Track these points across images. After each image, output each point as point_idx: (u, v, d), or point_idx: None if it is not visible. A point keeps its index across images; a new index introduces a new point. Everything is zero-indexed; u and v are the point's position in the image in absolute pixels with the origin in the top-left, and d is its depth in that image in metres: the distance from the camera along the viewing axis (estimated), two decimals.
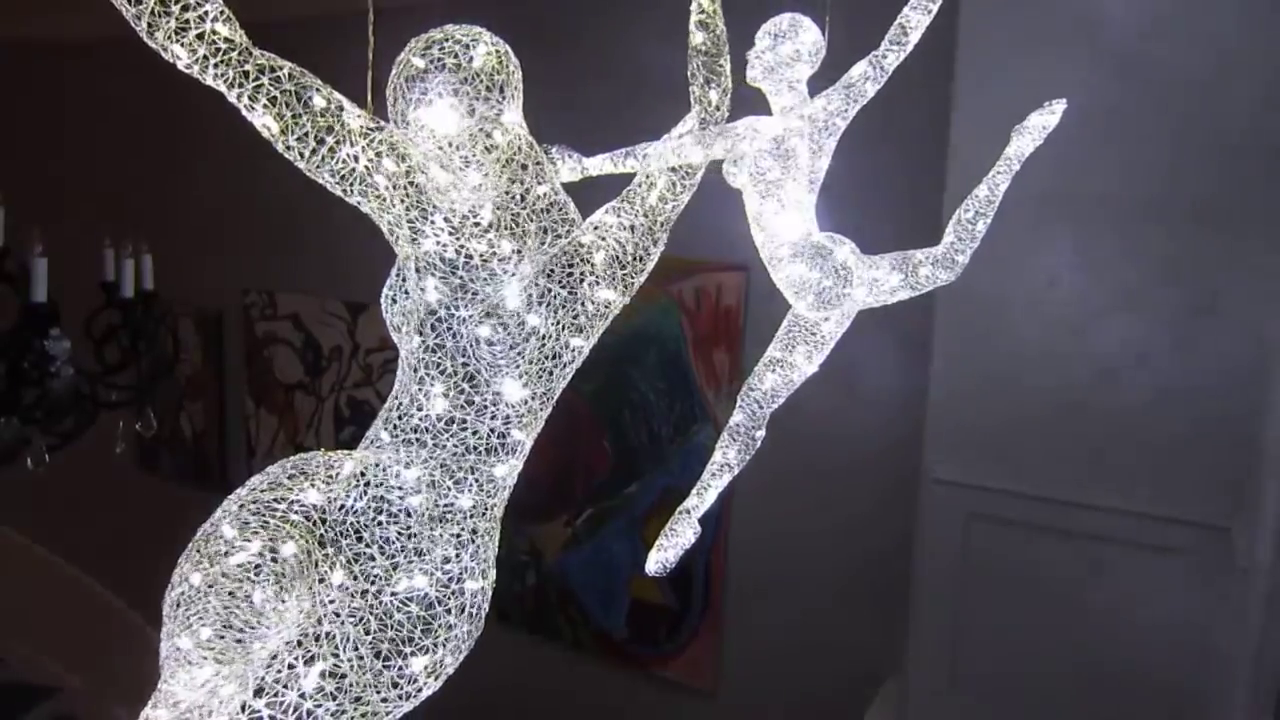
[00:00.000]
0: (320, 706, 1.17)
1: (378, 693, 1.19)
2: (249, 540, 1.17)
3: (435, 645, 1.21)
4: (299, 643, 1.22)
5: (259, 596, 1.12)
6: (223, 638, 1.10)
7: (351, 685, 1.18)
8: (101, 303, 3.34)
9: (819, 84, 1.82)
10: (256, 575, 1.13)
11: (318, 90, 1.15)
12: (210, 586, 1.13)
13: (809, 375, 1.89)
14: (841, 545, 3.72)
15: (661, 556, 1.94)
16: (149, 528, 5.98)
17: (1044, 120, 1.82)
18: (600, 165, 1.62)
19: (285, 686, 1.18)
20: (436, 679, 1.24)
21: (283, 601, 1.13)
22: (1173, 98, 2.25)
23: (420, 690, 1.23)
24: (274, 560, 1.15)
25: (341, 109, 1.18)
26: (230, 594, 1.12)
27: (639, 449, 4.22)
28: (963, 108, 2.84)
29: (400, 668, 1.20)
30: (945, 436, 3.02)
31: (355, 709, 1.18)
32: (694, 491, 1.94)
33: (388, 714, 1.21)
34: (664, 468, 4.15)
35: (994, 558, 2.96)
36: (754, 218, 1.83)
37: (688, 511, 1.94)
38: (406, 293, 1.29)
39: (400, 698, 1.21)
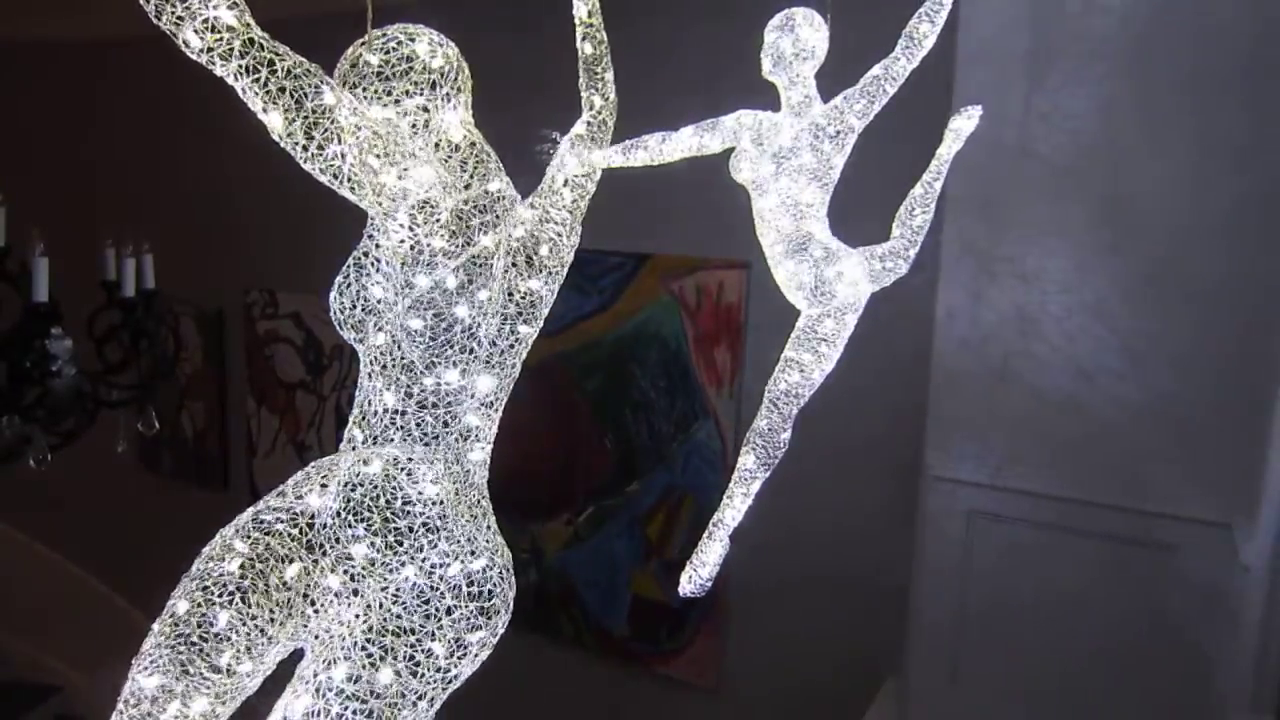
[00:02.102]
0: (346, 708, 1.19)
1: (399, 681, 1.20)
2: (224, 560, 1.19)
3: (441, 630, 1.22)
4: (317, 649, 1.25)
5: (224, 619, 1.13)
6: (188, 671, 1.11)
7: (368, 682, 1.20)
8: (103, 302, 3.34)
9: (832, 84, 1.83)
10: (218, 597, 1.15)
11: (315, 86, 1.15)
12: (179, 616, 1.14)
13: (827, 373, 1.89)
14: (842, 543, 3.72)
15: (695, 576, 1.93)
16: (150, 526, 5.99)
17: (961, 124, 1.90)
18: (609, 158, 1.66)
19: (317, 693, 1.20)
20: (464, 658, 1.25)
21: (252, 618, 1.14)
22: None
23: (450, 672, 1.24)
24: (242, 579, 1.17)
25: (336, 106, 1.18)
26: (186, 620, 1.13)
27: (640, 447, 4.22)
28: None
29: (413, 656, 1.21)
30: (946, 434, 3.02)
31: (381, 703, 1.19)
32: (721, 504, 1.94)
33: (419, 697, 1.22)
34: (665, 465, 4.15)
35: (995, 555, 2.96)
36: (757, 214, 1.84)
37: (717, 526, 1.94)
38: (354, 287, 1.32)
39: (433, 682, 1.22)
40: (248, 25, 1.08)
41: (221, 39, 1.06)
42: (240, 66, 1.08)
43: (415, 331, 1.27)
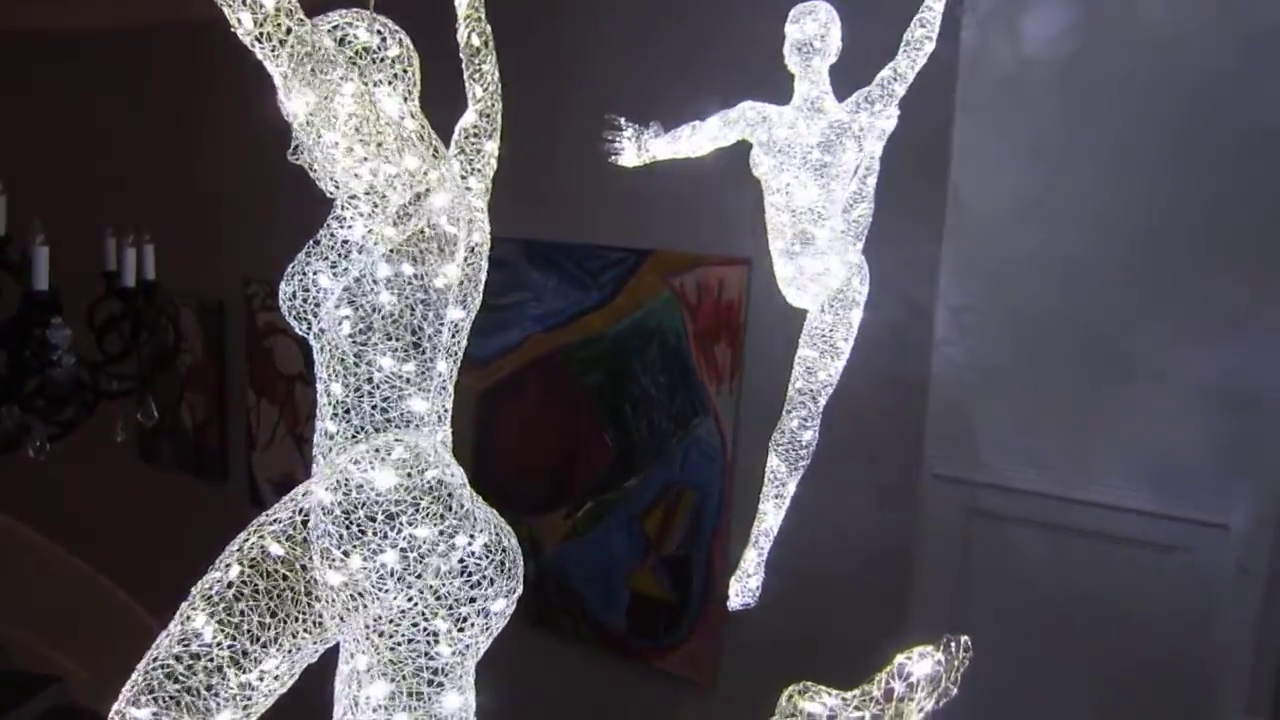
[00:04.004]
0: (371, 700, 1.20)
1: (401, 667, 1.21)
2: (218, 570, 1.21)
3: (432, 611, 1.23)
4: (343, 643, 1.27)
5: (209, 632, 1.14)
6: (191, 693, 1.12)
7: (383, 669, 1.21)
8: (103, 292, 3.34)
9: (844, 80, 1.85)
10: (206, 607, 1.16)
11: (340, 77, 1.15)
12: (185, 632, 1.15)
13: (840, 369, 1.91)
14: (841, 539, 3.71)
15: (743, 589, 1.98)
16: (149, 517, 6.00)
17: (884, 125, 1.96)
18: (658, 150, 1.77)
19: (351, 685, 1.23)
20: (465, 628, 1.26)
21: (235, 627, 1.15)
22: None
23: (459, 644, 1.25)
24: (227, 586, 1.18)
25: (358, 96, 1.18)
26: (185, 636, 1.15)
27: (639, 442, 4.22)
28: (965, 111, 2.87)
29: (413, 639, 1.22)
30: (946, 431, 3.02)
31: (393, 686, 1.21)
32: (758, 515, 1.98)
33: (435, 673, 1.23)
34: (664, 461, 4.15)
35: (994, 553, 2.96)
36: (767, 209, 1.86)
37: (760, 536, 1.98)
38: (301, 276, 1.31)
39: (448, 658, 1.24)
40: (278, 10, 1.08)
41: (256, 21, 1.06)
42: (269, 51, 1.08)
43: (344, 319, 1.26)
